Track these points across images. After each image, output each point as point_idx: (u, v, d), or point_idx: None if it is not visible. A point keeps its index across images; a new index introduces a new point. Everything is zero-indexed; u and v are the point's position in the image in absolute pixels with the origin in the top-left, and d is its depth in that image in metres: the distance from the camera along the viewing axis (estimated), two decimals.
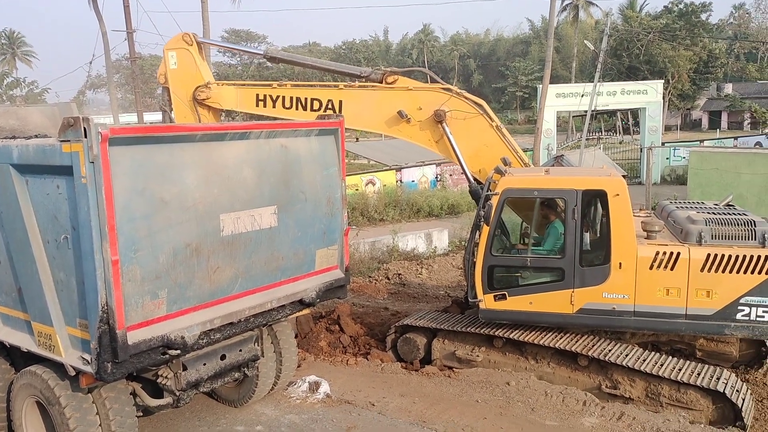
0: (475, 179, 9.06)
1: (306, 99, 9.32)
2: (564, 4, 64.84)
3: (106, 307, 4.99)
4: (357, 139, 43.00)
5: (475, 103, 9.07)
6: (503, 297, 8.20)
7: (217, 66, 79.37)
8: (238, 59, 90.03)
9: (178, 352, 5.60)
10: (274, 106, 9.45)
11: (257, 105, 9.54)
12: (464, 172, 9.14)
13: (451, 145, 8.97)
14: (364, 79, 9.35)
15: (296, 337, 8.62)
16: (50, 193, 5.29)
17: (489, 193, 8.19)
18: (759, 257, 7.42)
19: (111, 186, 4.91)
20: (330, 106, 9.19)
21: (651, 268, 7.69)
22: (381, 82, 9.18)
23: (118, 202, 4.98)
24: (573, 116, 46.49)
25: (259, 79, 71.84)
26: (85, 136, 4.78)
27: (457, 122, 8.97)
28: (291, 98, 9.39)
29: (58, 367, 5.70)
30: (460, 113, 8.96)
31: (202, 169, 5.73)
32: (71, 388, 5.72)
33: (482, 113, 9.02)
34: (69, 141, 4.91)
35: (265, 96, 9.51)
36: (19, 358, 6.45)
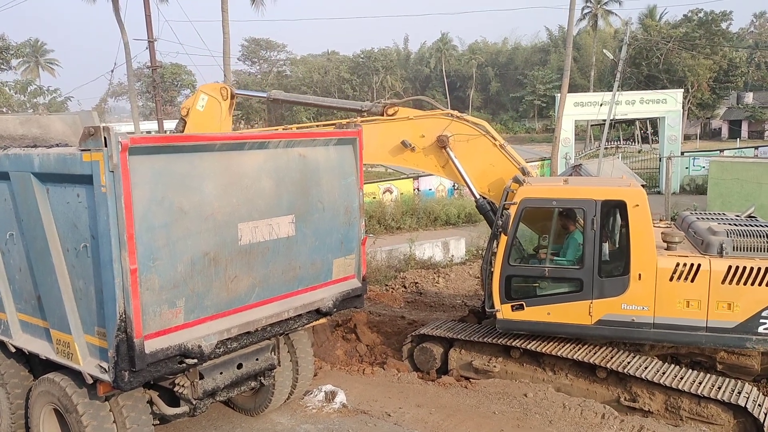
0: (482, 196, 9.11)
1: None
2: (583, 13, 64.62)
3: (124, 316, 5.02)
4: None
5: (477, 124, 9.19)
6: (521, 307, 8.14)
7: (237, 74, 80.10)
8: (258, 68, 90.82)
9: (195, 361, 5.61)
10: None
11: None
12: (471, 192, 9.21)
13: (457, 168, 9.08)
14: (365, 113, 9.47)
15: (313, 346, 8.61)
16: (70, 202, 5.34)
17: (507, 202, 8.16)
18: None
19: (130, 195, 4.93)
20: None
21: (671, 279, 7.60)
22: (382, 115, 9.31)
23: (137, 211, 5.01)
24: (591, 125, 46.26)
25: (278, 87, 72.35)
26: (106, 146, 4.82)
27: (461, 145, 9.06)
28: None
29: (76, 375, 5.74)
30: (463, 136, 9.05)
31: (221, 178, 5.75)
32: (89, 396, 5.75)
33: (484, 134, 9.12)
34: (89, 150, 4.95)
35: None
36: (38, 366, 6.52)
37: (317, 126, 9.63)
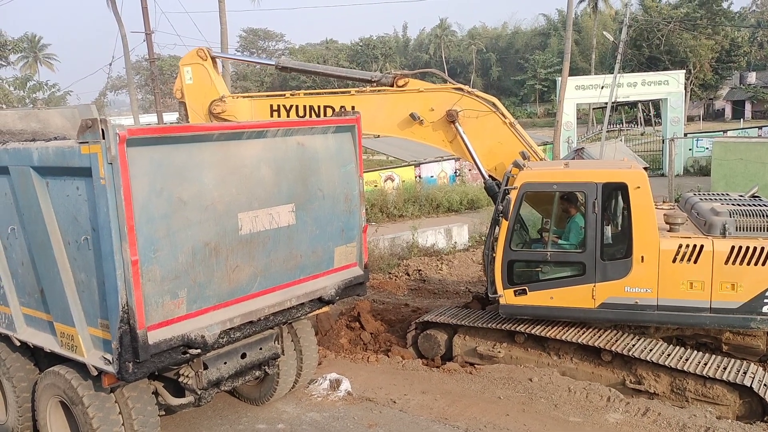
0: (490, 176, 9.02)
1: (319, 107, 9.36)
2: None
3: (126, 308, 5.03)
4: (378, 135, 42.87)
5: (487, 101, 9.05)
6: (524, 292, 8.13)
7: (235, 65, 79.70)
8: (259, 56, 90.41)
9: (199, 351, 5.63)
10: (288, 116, 9.52)
11: (272, 116, 9.63)
12: (479, 170, 9.12)
13: (465, 144, 8.97)
14: (375, 84, 9.37)
15: (316, 334, 8.63)
16: (70, 195, 5.34)
17: (507, 187, 8.12)
18: None
19: (129, 187, 4.93)
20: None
21: (674, 261, 7.57)
22: (392, 86, 9.21)
23: (137, 203, 5.01)
24: (593, 108, 46.03)
25: (277, 77, 72.08)
26: (103, 138, 4.81)
27: (470, 121, 8.96)
28: (304, 107, 9.45)
29: (81, 367, 5.76)
30: (473, 112, 8.96)
31: (220, 168, 5.74)
32: (94, 388, 5.78)
33: (495, 111, 9.01)
34: (87, 143, 4.94)
35: (279, 106, 9.58)
36: (43, 359, 6.56)
37: (325, 94, 9.57)
